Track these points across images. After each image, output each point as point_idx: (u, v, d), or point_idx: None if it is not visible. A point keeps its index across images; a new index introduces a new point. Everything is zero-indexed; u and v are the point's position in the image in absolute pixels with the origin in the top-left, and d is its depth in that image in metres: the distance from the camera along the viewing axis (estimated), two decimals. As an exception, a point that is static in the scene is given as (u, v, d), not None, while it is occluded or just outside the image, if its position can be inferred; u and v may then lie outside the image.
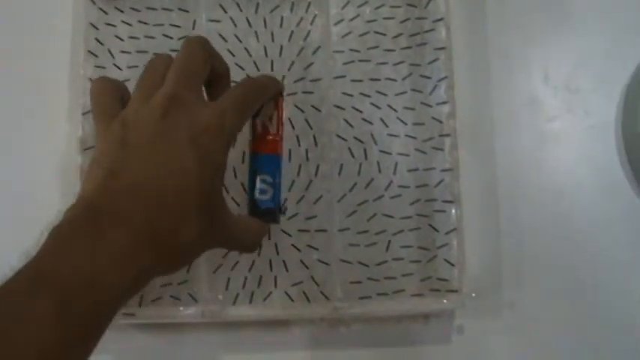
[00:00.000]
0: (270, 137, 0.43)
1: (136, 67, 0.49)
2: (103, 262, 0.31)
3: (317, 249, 0.48)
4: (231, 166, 0.48)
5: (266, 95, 0.42)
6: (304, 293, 0.48)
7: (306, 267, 0.48)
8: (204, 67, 0.38)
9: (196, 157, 0.34)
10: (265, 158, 0.42)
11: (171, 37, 0.50)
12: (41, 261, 0.31)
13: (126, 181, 0.33)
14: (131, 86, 0.38)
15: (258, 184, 0.42)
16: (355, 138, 0.50)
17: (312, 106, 0.50)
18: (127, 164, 0.33)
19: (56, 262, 0.30)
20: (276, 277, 0.48)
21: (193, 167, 0.33)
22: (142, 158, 0.33)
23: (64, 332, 0.29)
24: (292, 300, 0.48)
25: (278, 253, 0.48)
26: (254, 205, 0.42)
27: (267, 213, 0.42)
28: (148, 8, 0.51)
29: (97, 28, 0.50)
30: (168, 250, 0.33)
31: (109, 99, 0.37)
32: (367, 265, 0.48)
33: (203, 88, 0.39)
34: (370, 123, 0.50)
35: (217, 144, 0.35)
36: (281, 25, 0.51)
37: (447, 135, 0.49)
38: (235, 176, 0.48)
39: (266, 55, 0.50)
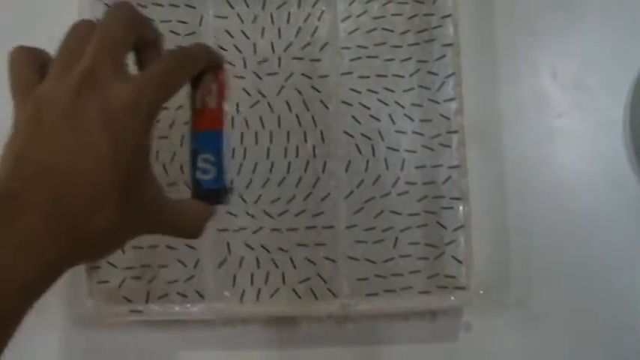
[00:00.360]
0: (209, 112, 0.39)
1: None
2: (10, 251, 0.30)
3: (324, 245, 0.48)
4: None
5: (196, 67, 0.38)
6: (311, 290, 0.48)
7: (314, 264, 0.48)
8: (127, 37, 0.35)
9: (111, 137, 0.32)
10: (205, 135, 0.39)
11: (178, 34, 0.50)
12: None
13: (37, 166, 0.32)
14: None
15: (199, 164, 0.38)
16: (362, 134, 0.50)
17: (320, 102, 0.49)
18: (38, 147, 0.32)
19: None
20: (283, 274, 0.48)
21: (107, 149, 0.32)
22: (55, 142, 0.32)
23: None
24: (299, 297, 0.48)
25: (285, 250, 0.48)
26: (196, 187, 0.39)
27: (211, 194, 0.39)
28: (155, 4, 0.50)
29: (103, 25, 0.49)
30: (84, 237, 0.32)
31: (26, 70, 0.35)
32: (374, 262, 0.48)
33: (131, 59, 0.36)
34: (377, 119, 0.50)
35: (135, 123, 0.33)
36: (288, 22, 0.51)
37: (455, 132, 0.49)
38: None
39: (273, 51, 0.50)
